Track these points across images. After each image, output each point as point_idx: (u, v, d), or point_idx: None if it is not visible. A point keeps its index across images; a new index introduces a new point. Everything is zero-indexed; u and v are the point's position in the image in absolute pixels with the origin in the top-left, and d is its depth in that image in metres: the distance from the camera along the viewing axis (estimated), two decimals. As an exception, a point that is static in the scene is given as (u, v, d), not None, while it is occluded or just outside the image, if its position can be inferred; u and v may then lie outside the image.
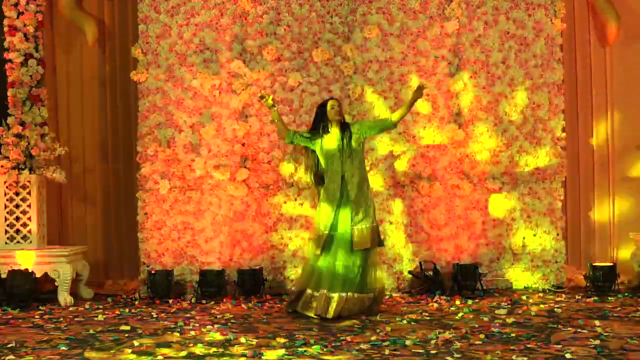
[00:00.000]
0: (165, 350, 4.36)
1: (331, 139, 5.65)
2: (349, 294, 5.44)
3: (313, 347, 4.39)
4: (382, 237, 5.84)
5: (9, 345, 4.56)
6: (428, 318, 5.41)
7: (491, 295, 6.48)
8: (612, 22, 7.21)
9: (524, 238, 6.96)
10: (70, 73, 7.42)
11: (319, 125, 5.72)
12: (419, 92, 5.64)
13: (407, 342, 4.47)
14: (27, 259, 6.32)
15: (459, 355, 4.12)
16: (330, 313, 5.34)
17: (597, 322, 5.03)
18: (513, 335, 4.68)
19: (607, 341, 4.43)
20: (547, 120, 7.01)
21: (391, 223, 6.84)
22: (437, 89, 6.92)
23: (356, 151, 5.64)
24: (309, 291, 5.56)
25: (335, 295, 5.41)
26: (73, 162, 7.37)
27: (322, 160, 5.73)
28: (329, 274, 5.50)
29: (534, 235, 6.96)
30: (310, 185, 6.27)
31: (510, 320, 5.21)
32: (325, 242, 5.55)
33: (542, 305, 5.88)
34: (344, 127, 5.70)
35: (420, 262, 6.77)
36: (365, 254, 5.56)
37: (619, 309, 5.67)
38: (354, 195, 5.55)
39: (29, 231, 6.65)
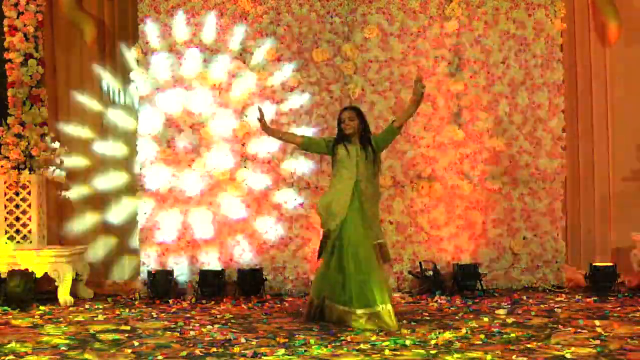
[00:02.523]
0: (165, 350, 4.36)
1: (349, 150, 5.28)
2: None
3: (313, 347, 4.39)
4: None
5: (9, 345, 4.56)
6: (428, 318, 5.41)
7: (491, 295, 6.48)
8: (612, 22, 7.21)
9: (524, 238, 6.96)
10: (70, 73, 7.41)
11: (340, 135, 5.35)
12: (418, 86, 5.16)
13: (407, 342, 4.48)
14: (27, 259, 6.32)
15: (459, 355, 4.12)
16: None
17: (597, 322, 5.03)
18: (513, 335, 4.68)
19: (607, 341, 4.43)
20: (547, 120, 7.02)
21: (391, 223, 6.84)
22: (437, 89, 6.92)
23: (370, 164, 5.29)
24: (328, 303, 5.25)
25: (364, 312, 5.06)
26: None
27: (332, 168, 5.42)
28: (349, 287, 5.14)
29: (534, 235, 6.96)
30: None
31: (510, 320, 5.21)
32: (335, 244, 5.20)
33: (542, 305, 5.88)
34: (365, 141, 5.31)
35: (420, 262, 6.77)
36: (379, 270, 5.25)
37: (619, 309, 5.67)
38: (370, 210, 5.24)
39: (29, 231, 6.65)
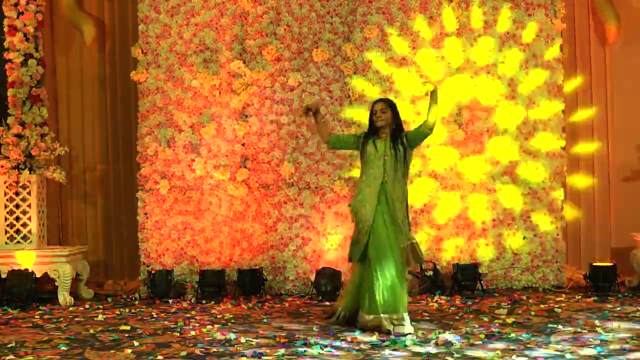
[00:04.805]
0: (165, 350, 4.36)
1: (378, 147, 5.11)
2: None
3: (313, 347, 4.39)
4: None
5: (9, 345, 4.56)
6: (428, 318, 5.41)
7: (491, 295, 6.48)
8: (611, 22, 7.21)
9: (524, 238, 6.96)
10: (70, 73, 7.43)
11: (371, 128, 5.19)
12: (434, 97, 5.10)
13: (407, 342, 4.48)
14: (27, 259, 6.32)
15: (459, 355, 4.12)
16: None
17: (597, 322, 5.03)
18: (513, 335, 4.69)
19: (607, 341, 4.43)
20: (547, 120, 7.01)
21: (391, 223, 6.83)
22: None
23: (400, 163, 5.09)
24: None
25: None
26: (73, 162, 7.38)
27: (361, 164, 5.23)
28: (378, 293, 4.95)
29: (534, 235, 6.96)
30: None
31: (510, 320, 5.21)
32: (366, 252, 5.02)
33: (542, 305, 5.88)
34: (396, 136, 5.14)
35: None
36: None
37: (619, 309, 5.67)
38: (400, 211, 5.02)
39: (29, 231, 6.65)
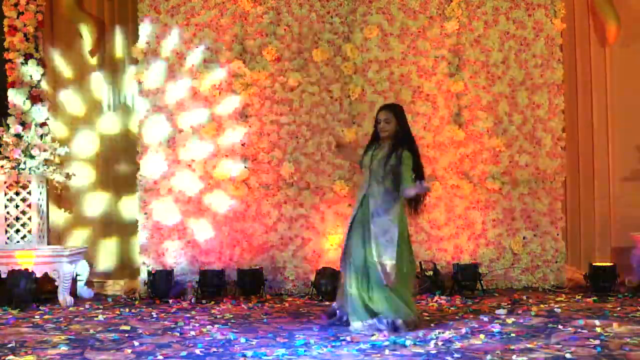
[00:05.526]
0: (165, 350, 4.36)
1: (372, 158, 5.00)
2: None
3: (313, 347, 4.39)
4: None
5: (9, 345, 4.56)
6: (428, 318, 5.41)
7: (491, 295, 6.48)
8: (611, 22, 7.21)
9: (524, 238, 6.96)
10: (70, 73, 7.41)
11: (374, 136, 5.09)
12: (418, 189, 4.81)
13: (407, 342, 4.48)
14: (27, 259, 6.32)
15: (459, 355, 4.12)
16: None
17: (597, 322, 5.03)
18: (513, 335, 4.68)
19: (607, 341, 4.43)
20: (547, 120, 7.02)
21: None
22: (437, 88, 6.93)
23: (387, 177, 4.89)
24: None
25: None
26: (73, 162, 7.36)
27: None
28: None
29: (534, 235, 6.96)
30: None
31: (510, 320, 5.21)
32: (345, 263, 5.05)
33: (542, 305, 5.88)
34: (394, 149, 4.91)
35: (420, 262, 6.76)
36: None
37: (619, 309, 5.67)
38: (376, 226, 4.86)
39: (29, 231, 6.65)
